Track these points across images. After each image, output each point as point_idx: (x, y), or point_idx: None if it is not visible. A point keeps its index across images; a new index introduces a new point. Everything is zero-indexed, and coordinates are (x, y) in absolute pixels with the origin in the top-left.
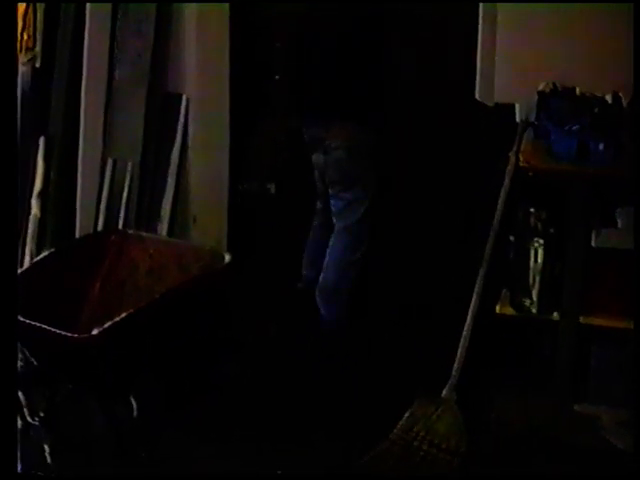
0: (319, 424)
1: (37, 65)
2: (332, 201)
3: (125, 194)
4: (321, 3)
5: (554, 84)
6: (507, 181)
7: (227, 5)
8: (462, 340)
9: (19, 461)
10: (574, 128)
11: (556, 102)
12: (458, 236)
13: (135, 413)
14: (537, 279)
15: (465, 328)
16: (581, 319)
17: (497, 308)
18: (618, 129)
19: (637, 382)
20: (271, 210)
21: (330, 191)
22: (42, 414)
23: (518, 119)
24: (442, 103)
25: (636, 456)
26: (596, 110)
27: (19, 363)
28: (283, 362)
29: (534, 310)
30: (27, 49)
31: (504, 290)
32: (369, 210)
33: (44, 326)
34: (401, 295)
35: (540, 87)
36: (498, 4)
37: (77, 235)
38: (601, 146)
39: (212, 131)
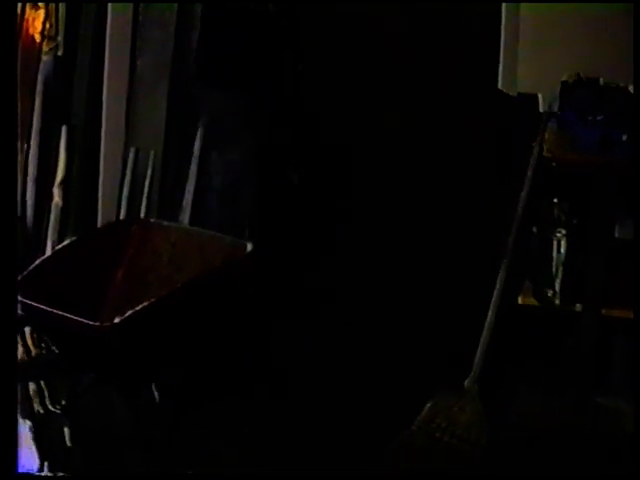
0: (340, 416)
1: (59, 54)
2: None
3: (147, 183)
4: None
5: (578, 74)
6: (530, 171)
7: None
8: (484, 331)
9: (41, 449)
10: (598, 119)
11: (580, 92)
12: (481, 227)
13: (157, 402)
14: (560, 270)
15: (487, 319)
16: (604, 310)
17: (519, 299)
18: None
19: (637, 373)
20: (295, 200)
21: None
22: (64, 402)
23: (541, 109)
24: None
25: (636, 444)
26: (620, 100)
27: (41, 352)
28: (304, 354)
29: (557, 301)
30: (49, 38)
31: (527, 281)
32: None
33: (66, 314)
34: (423, 285)
35: (564, 77)
36: None
37: (99, 224)
38: (625, 137)
39: None
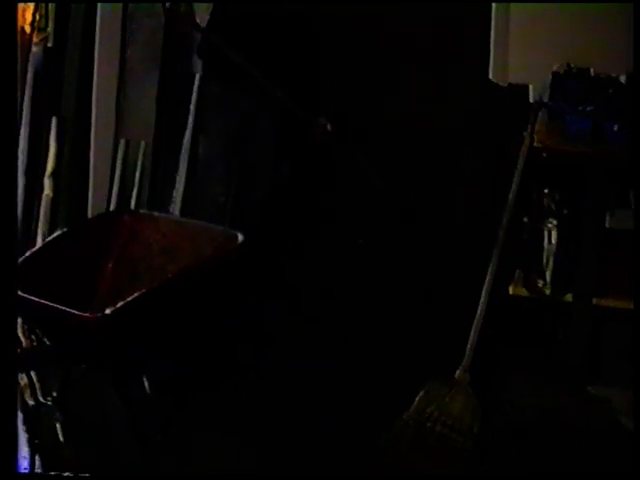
0: (332, 407)
1: (49, 45)
2: None
3: (138, 174)
4: None
5: (568, 65)
6: (521, 162)
7: None
8: (475, 321)
9: (32, 440)
10: (588, 109)
11: (570, 83)
12: (471, 217)
13: (148, 394)
14: (551, 260)
15: (478, 309)
16: (595, 300)
17: (510, 289)
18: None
19: (636, 365)
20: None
21: None
22: (55, 394)
23: (532, 100)
24: None
25: (636, 439)
26: (610, 91)
27: (32, 343)
28: (295, 345)
29: (548, 291)
30: (39, 29)
31: (518, 271)
32: None
33: (57, 305)
34: (414, 276)
35: (554, 68)
36: None
37: (90, 215)
38: (615, 127)
39: None
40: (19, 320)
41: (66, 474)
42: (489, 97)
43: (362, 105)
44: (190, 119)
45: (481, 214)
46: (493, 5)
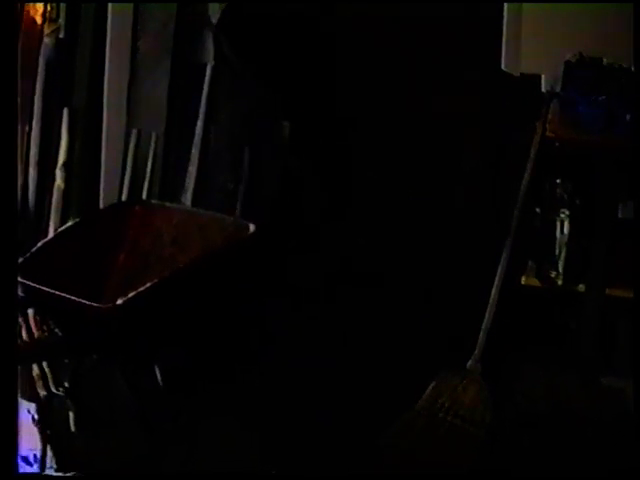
0: (343, 397)
1: (61, 36)
2: None
3: (149, 165)
4: None
5: (581, 54)
6: (533, 151)
7: None
8: (487, 311)
9: (44, 431)
10: (601, 98)
11: (583, 72)
12: (484, 208)
13: (159, 384)
14: (563, 250)
15: (491, 299)
16: (607, 291)
17: (523, 279)
18: None
19: (637, 356)
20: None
21: None
22: (66, 384)
23: (544, 89)
24: None
25: (637, 426)
26: (623, 80)
27: (44, 334)
28: (305, 335)
29: (560, 282)
30: (51, 20)
31: (530, 261)
32: None
33: (68, 296)
34: (425, 267)
35: (567, 57)
36: None
37: (101, 206)
38: (628, 116)
39: None
40: (31, 310)
41: (66, 474)
42: (501, 87)
43: (368, 100)
44: (201, 110)
45: (493, 204)
46: None
